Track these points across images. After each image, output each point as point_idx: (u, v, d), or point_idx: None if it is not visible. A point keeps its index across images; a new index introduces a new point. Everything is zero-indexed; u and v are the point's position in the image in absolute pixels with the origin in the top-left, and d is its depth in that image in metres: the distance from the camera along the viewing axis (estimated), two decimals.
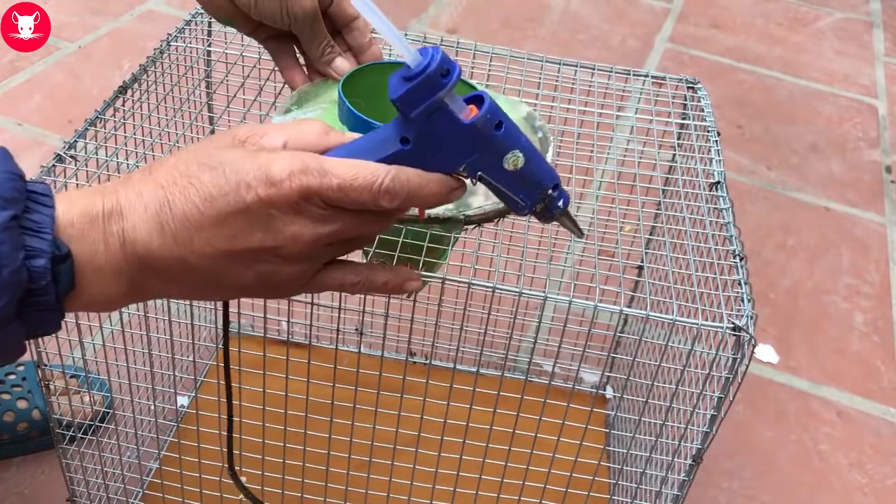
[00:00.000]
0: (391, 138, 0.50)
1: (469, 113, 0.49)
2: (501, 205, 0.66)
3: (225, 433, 0.71)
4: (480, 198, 0.68)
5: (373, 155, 0.50)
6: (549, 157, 0.72)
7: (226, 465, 0.71)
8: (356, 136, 0.52)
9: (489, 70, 0.87)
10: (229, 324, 0.63)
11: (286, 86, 0.79)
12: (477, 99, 0.50)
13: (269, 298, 0.54)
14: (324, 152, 0.50)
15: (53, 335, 0.66)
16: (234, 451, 0.71)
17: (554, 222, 0.56)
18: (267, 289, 0.51)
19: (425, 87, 0.47)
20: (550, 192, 0.53)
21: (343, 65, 0.71)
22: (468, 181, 0.52)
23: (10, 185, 0.46)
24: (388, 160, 0.49)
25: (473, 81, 0.70)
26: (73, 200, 0.49)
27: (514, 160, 0.50)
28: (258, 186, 0.47)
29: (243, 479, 0.75)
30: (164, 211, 0.48)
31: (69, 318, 0.71)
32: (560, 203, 0.54)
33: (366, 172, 0.48)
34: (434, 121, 0.49)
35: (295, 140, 0.51)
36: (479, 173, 0.51)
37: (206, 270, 0.49)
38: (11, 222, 0.45)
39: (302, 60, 0.74)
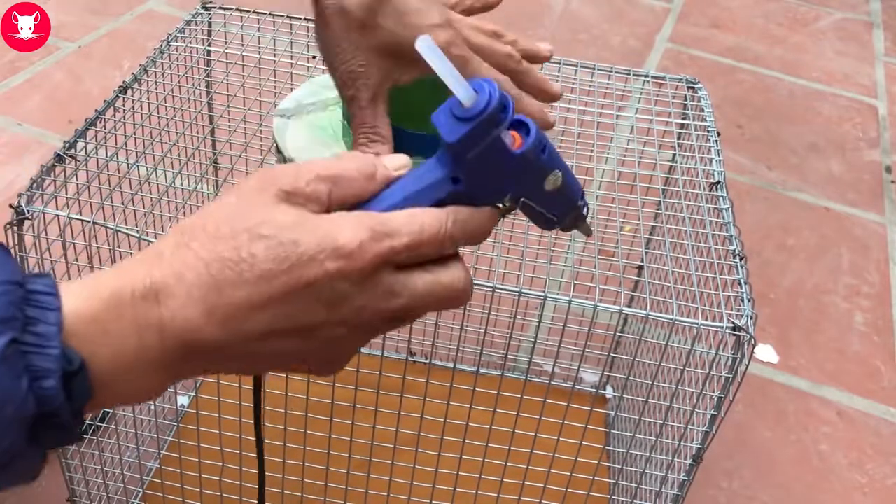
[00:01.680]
0: (442, 179, 0.47)
1: (515, 141, 0.46)
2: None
3: (225, 433, 0.71)
4: None
5: (426, 198, 0.47)
6: None
7: (223, 465, 0.71)
8: (399, 168, 0.48)
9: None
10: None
11: (286, 85, 0.79)
12: (518, 124, 0.47)
13: (324, 374, 0.49)
14: (372, 197, 0.47)
15: None
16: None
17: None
18: (325, 362, 0.47)
19: (484, 127, 0.45)
20: (580, 203, 0.51)
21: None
22: None
23: (5, 300, 0.39)
24: (442, 203, 0.47)
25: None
26: (87, 290, 0.42)
27: (554, 180, 0.48)
28: (326, 260, 0.43)
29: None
30: (212, 295, 0.42)
31: None
32: (584, 211, 0.52)
33: (430, 222, 0.45)
34: (485, 155, 0.46)
35: (341, 191, 0.46)
36: (523, 199, 0.48)
37: (261, 350, 0.45)
38: (9, 349, 0.38)
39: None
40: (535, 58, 0.68)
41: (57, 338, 0.40)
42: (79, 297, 0.41)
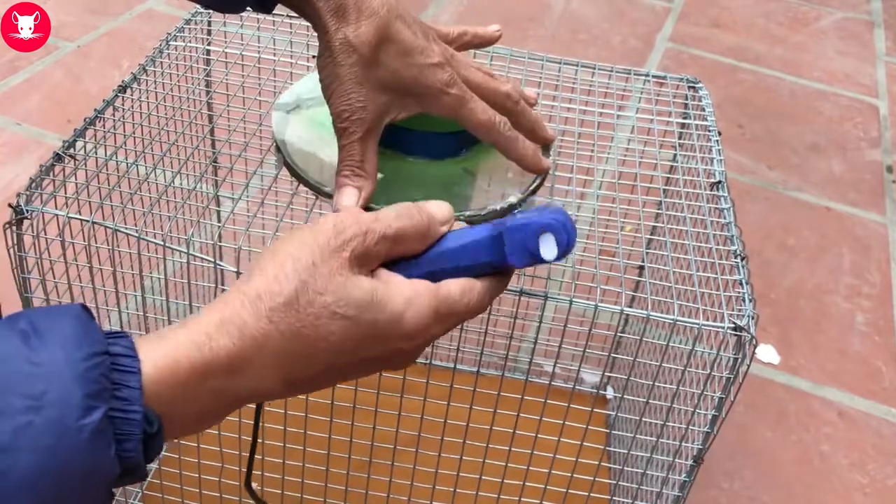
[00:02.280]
0: (485, 263, 0.52)
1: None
2: (502, 205, 0.66)
3: (224, 433, 0.71)
4: (481, 199, 0.68)
5: (466, 265, 0.52)
6: (549, 158, 0.72)
7: (223, 466, 0.71)
8: (445, 224, 0.53)
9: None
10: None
11: (286, 85, 0.79)
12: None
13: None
14: (425, 251, 0.52)
15: None
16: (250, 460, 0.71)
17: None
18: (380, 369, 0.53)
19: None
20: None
21: (347, 200, 0.61)
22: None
23: (96, 373, 0.40)
24: (479, 269, 0.52)
25: None
26: (168, 360, 0.44)
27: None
28: (396, 341, 0.48)
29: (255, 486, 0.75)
30: (289, 368, 0.46)
31: None
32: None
33: (480, 298, 0.51)
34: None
35: (399, 249, 0.50)
36: None
37: (322, 386, 0.50)
38: (103, 422, 0.40)
39: None
40: (526, 101, 0.70)
41: (139, 401, 0.42)
42: (157, 365, 0.43)
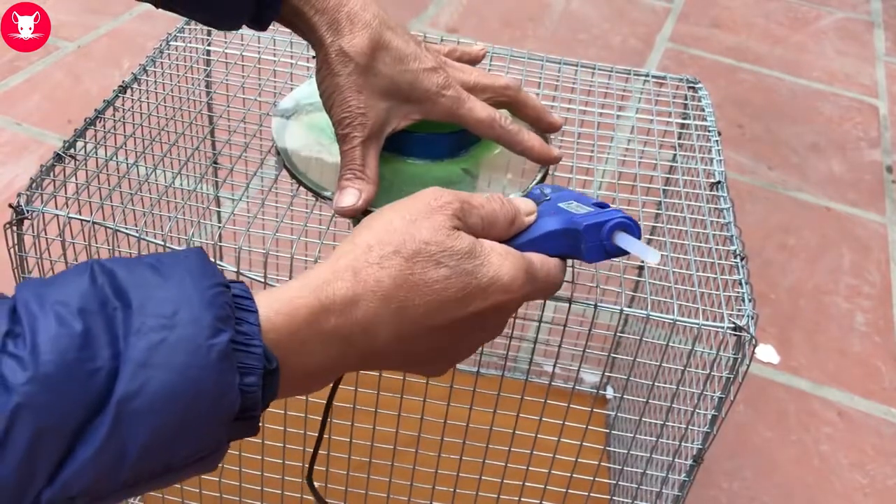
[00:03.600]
0: (563, 248, 0.56)
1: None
2: None
3: None
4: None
5: (544, 249, 0.55)
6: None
7: (223, 466, 0.71)
8: (530, 214, 0.56)
9: (489, 70, 0.87)
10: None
11: (286, 85, 0.79)
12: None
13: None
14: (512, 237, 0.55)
15: None
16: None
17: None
18: (476, 346, 0.56)
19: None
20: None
21: (348, 200, 0.62)
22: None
23: (221, 300, 0.43)
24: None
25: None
26: (283, 305, 0.46)
27: None
28: (494, 294, 0.51)
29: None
30: (398, 315, 0.48)
31: None
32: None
33: (556, 271, 0.55)
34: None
35: (490, 230, 0.53)
36: None
37: (424, 358, 0.52)
38: (229, 346, 0.42)
39: None
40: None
41: (259, 337, 0.43)
42: (276, 309, 0.45)
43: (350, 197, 0.62)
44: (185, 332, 0.41)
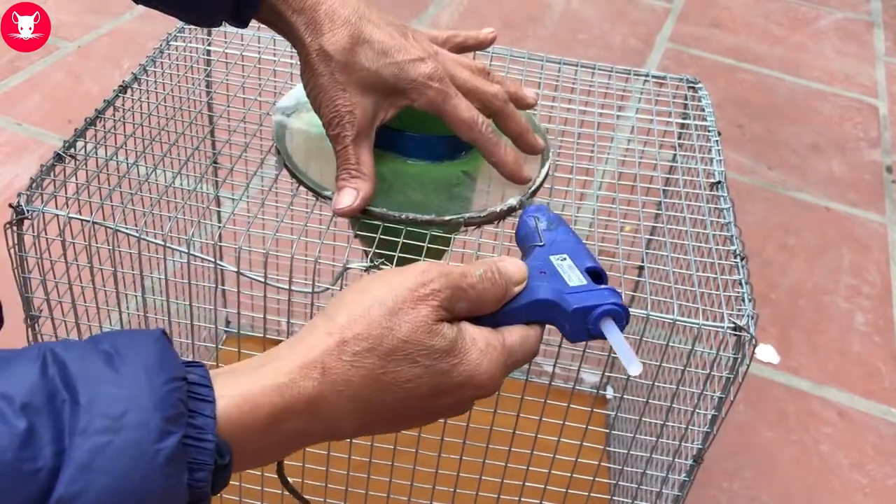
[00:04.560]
0: (545, 317, 0.53)
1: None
2: (501, 207, 0.66)
3: None
4: (481, 200, 0.68)
5: (532, 317, 0.53)
6: (549, 157, 0.72)
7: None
8: (519, 284, 0.53)
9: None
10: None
11: (287, 85, 0.79)
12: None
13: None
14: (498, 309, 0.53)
15: (52, 335, 0.65)
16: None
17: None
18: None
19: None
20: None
21: (345, 200, 0.62)
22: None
23: (175, 397, 0.41)
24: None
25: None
26: (245, 399, 0.44)
27: None
28: (467, 391, 0.49)
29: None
30: (365, 411, 0.47)
31: (68, 319, 0.71)
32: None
33: (534, 344, 0.53)
34: None
35: (476, 309, 0.51)
36: None
37: (385, 430, 0.51)
38: (177, 448, 0.40)
39: None
40: (520, 101, 0.70)
41: (213, 430, 0.42)
42: (236, 401, 0.44)
43: (347, 197, 0.62)
44: (131, 435, 0.39)
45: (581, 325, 0.52)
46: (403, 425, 0.51)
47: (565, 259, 0.55)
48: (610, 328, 0.52)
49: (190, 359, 0.46)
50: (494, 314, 0.52)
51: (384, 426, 0.50)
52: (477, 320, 0.52)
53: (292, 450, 0.48)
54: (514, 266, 0.53)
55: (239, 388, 0.44)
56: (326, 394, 0.46)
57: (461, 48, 0.71)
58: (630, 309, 0.61)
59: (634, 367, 0.51)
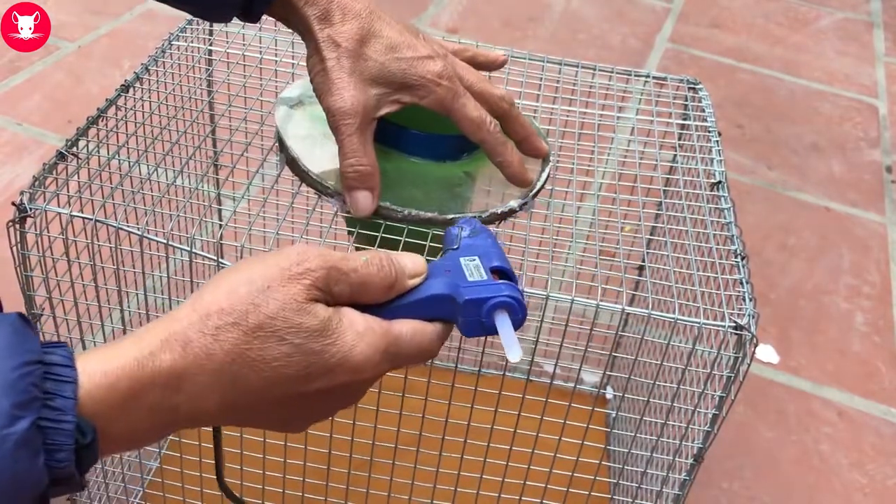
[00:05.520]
0: (440, 313, 0.52)
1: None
2: (502, 207, 0.66)
3: (226, 433, 0.70)
4: (482, 201, 0.68)
5: (423, 315, 0.52)
6: (550, 161, 0.72)
7: (224, 465, 0.71)
8: (415, 277, 0.52)
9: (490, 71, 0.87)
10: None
11: (288, 85, 0.79)
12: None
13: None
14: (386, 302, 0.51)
15: (54, 333, 0.65)
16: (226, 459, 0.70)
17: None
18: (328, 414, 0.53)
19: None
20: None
21: (363, 206, 0.63)
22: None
23: (26, 382, 0.40)
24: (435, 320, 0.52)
25: None
26: (107, 373, 0.44)
27: None
28: (340, 374, 0.48)
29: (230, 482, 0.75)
30: (229, 389, 0.46)
31: (70, 317, 0.71)
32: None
33: (430, 342, 0.51)
34: None
35: (361, 296, 0.50)
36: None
37: (267, 422, 0.50)
38: (29, 432, 0.40)
39: None
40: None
41: (73, 411, 0.41)
42: (96, 378, 0.43)
43: (364, 200, 0.62)
44: None
45: (475, 317, 0.51)
46: (276, 416, 0.49)
47: (474, 260, 0.54)
48: (503, 321, 0.51)
49: (55, 341, 0.45)
50: (389, 307, 0.51)
51: (256, 414, 0.48)
52: (369, 312, 0.50)
53: (164, 429, 0.47)
54: (410, 259, 0.52)
55: (100, 365, 0.44)
56: (189, 366, 0.45)
57: (470, 63, 0.71)
58: (631, 308, 0.61)
59: (514, 355, 0.51)
